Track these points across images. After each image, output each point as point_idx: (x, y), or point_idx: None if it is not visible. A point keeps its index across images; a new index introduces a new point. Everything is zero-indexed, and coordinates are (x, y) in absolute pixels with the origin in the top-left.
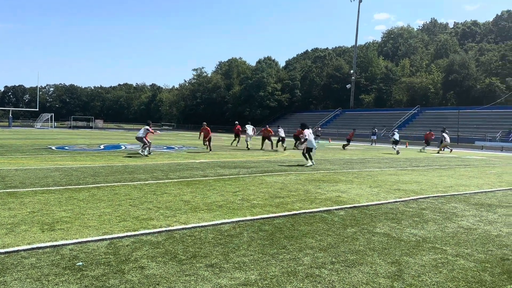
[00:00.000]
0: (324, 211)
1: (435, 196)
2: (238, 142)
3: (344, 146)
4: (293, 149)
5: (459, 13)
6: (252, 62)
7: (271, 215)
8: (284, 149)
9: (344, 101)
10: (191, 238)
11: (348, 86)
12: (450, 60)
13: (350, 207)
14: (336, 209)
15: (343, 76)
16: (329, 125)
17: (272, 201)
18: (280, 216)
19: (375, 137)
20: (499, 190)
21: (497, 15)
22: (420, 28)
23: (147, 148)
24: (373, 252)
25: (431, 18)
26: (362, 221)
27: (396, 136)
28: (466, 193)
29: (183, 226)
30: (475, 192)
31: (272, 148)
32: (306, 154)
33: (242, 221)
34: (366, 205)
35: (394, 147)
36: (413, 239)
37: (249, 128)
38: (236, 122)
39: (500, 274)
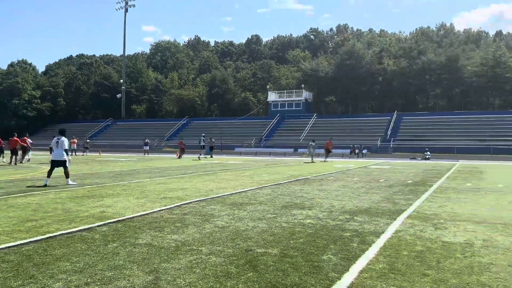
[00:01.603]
0: (85, 229)
1: (197, 201)
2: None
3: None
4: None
5: (218, 33)
6: (3, 65)
7: (19, 242)
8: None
9: (115, 111)
10: None
11: (118, 95)
12: (213, 75)
13: (114, 222)
14: (98, 226)
15: (112, 85)
16: (100, 136)
17: (22, 226)
18: (30, 242)
19: (147, 148)
20: (250, 189)
21: (248, 38)
22: (186, 43)
23: None
24: (133, 264)
25: (195, 36)
26: (125, 234)
27: (202, 143)
28: (224, 195)
29: None
30: (231, 193)
31: (15, 162)
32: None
33: None
34: (131, 217)
35: (203, 152)
36: (173, 245)
37: None
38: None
39: (243, 264)
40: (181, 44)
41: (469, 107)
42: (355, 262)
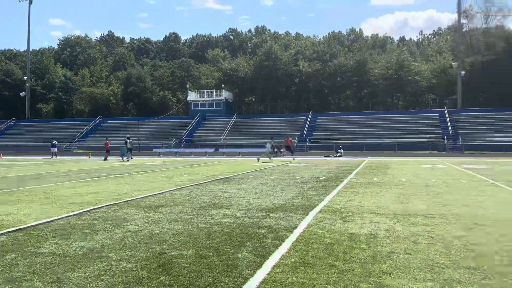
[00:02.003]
0: None
1: (108, 205)
2: None
3: None
4: None
5: (134, 30)
6: None
7: None
8: None
9: (18, 111)
10: None
11: (22, 94)
12: (128, 73)
13: (14, 230)
14: None
15: (15, 82)
16: (1, 138)
17: None
18: None
19: (55, 150)
20: (167, 191)
21: (166, 36)
22: (98, 39)
23: None
24: (34, 275)
25: (109, 31)
26: (26, 243)
27: (129, 145)
28: (139, 198)
29: None
30: (147, 196)
31: None
32: None
33: None
34: (33, 225)
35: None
36: (80, 252)
37: None
38: None
39: (156, 268)
40: (93, 40)
41: (376, 108)
42: (268, 258)
